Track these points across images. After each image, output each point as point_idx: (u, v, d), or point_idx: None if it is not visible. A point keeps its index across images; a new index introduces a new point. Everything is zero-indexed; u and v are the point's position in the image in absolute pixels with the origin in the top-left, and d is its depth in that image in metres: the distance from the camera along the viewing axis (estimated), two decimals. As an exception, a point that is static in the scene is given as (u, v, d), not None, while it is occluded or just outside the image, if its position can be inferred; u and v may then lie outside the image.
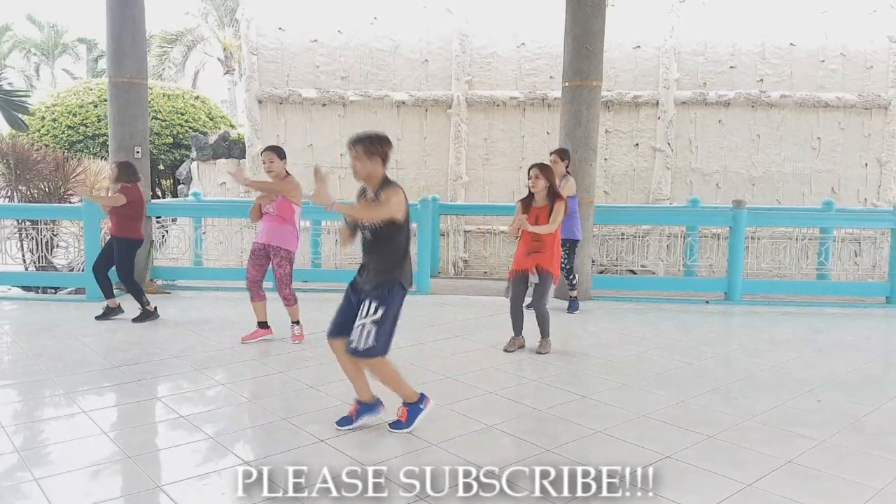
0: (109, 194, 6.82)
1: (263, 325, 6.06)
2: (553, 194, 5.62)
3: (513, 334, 5.86)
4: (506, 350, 5.77)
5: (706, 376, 5.21)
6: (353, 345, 3.77)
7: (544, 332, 5.82)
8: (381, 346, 3.78)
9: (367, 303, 3.78)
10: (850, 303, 8.30)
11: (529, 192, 5.71)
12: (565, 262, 7.35)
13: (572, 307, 7.47)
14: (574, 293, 7.49)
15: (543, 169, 5.66)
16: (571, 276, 7.41)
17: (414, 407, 3.98)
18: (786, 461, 3.60)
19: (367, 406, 4.03)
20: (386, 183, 3.81)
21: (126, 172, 6.76)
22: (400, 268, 3.83)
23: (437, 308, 7.76)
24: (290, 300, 6.00)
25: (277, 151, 5.87)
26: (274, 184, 5.84)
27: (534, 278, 5.67)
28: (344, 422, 4.01)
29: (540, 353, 5.71)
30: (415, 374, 5.06)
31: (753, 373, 5.31)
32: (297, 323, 6.06)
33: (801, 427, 4.10)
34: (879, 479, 3.43)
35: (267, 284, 6.10)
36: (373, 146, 3.75)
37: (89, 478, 3.36)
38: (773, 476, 3.42)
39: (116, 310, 6.89)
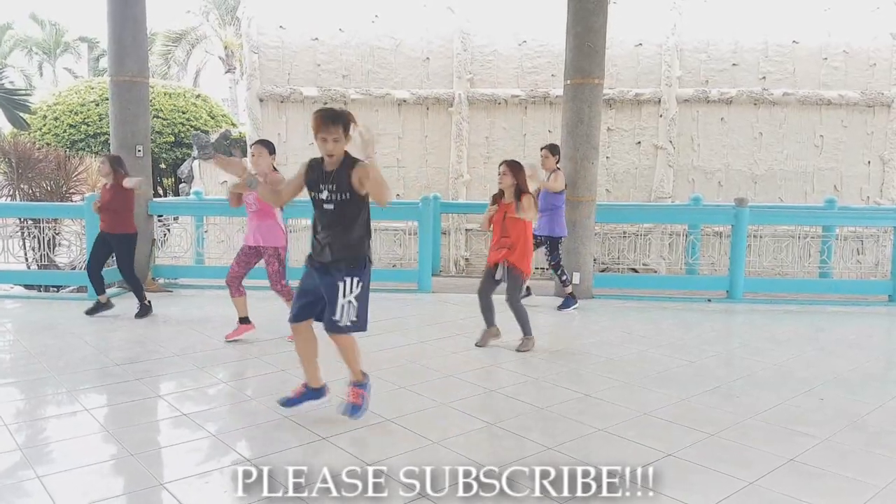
0: (105, 187, 6.78)
1: (245, 320, 6.05)
2: (519, 191, 5.62)
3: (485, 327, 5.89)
4: (477, 345, 5.82)
5: (708, 375, 5.21)
6: (341, 322, 3.82)
7: (523, 329, 5.81)
8: (362, 321, 3.90)
9: (347, 281, 3.80)
10: (853, 301, 8.29)
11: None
12: (549, 259, 7.37)
13: (564, 304, 7.45)
14: (568, 289, 7.48)
15: (512, 166, 5.68)
16: (559, 273, 7.41)
17: (363, 385, 4.06)
18: (788, 459, 3.59)
19: (315, 392, 4.15)
20: (353, 158, 3.78)
21: (119, 164, 6.82)
22: (368, 242, 3.91)
23: (438, 306, 7.76)
24: (285, 295, 5.98)
25: (268, 146, 5.82)
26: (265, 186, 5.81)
27: (498, 273, 5.70)
28: (289, 403, 4.12)
29: (520, 350, 5.69)
30: (416, 372, 5.07)
31: (755, 371, 5.30)
32: None
33: (802, 425, 4.10)
34: (881, 477, 3.42)
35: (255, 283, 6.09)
36: (349, 123, 3.73)
37: (91, 475, 3.36)
38: (774, 474, 3.42)
39: (107, 305, 6.90)
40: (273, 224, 5.88)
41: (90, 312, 6.83)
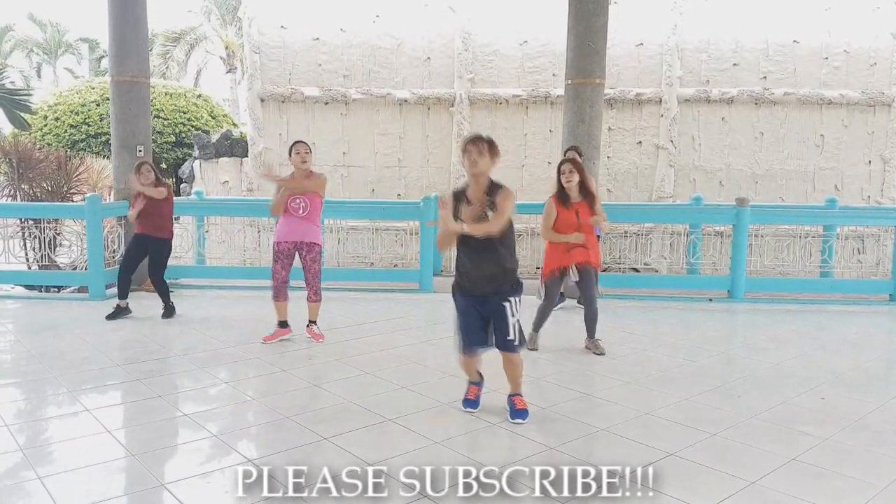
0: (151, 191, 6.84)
1: (284, 324, 6.04)
2: (587, 190, 5.61)
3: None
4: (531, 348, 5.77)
5: (709, 374, 5.20)
6: (515, 341, 4.00)
7: (594, 330, 5.85)
8: (524, 336, 4.17)
9: (511, 301, 3.96)
10: (854, 300, 8.28)
11: (562, 188, 5.60)
12: None
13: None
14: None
15: (577, 164, 5.65)
16: None
17: (520, 398, 4.20)
18: (789, 459, 3.59)
19: (480, 382, 4.38)
20: (497, 185, 3.92)
21: (160, 172, 6.98)
22: (516, 261, 4.04)
23: (439, 306, 7.75)
24: (320, 296, 6.03)
25: (308, 146, 5.86)
26: (311, 182, 5.82)
27: (574, 276, 5.71)
28: (472, 404, 4.28)
29: (598, 353, 5.71)
30: (418, 372, 5.07)
31: (756, 371, 5.30)
32: (316, 322, 6.08)
33: (804, 425, 4.10)
34: (883, 476, 3.42)
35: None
36: (495, 148, 3.89)
37: (93, 476, 3.36)
38: (776, 474, 3.41)
39: (126, 310, 6.92)
40: (318, 227, 5.97)
41: (112, 317, 6.81)
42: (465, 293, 4.02)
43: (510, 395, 4.21)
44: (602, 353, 5.66)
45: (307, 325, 6.07)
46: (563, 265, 5.65)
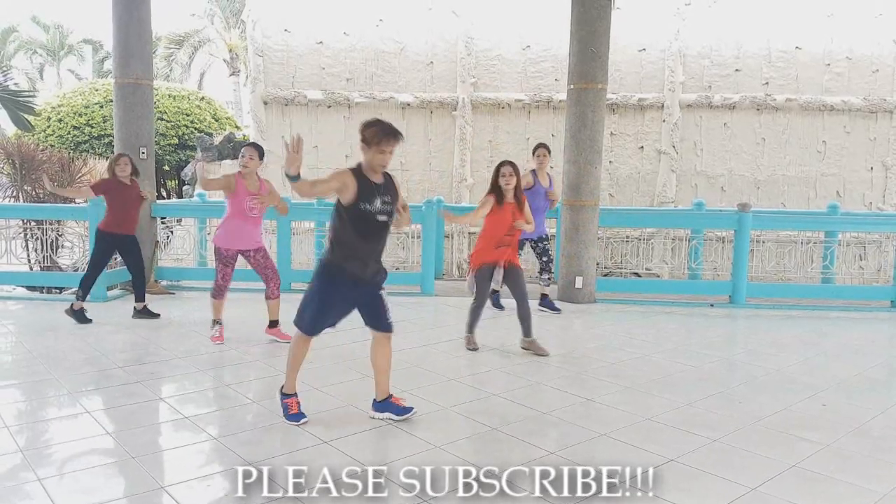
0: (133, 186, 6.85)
1: (219, 321, 6.07)
2: (519, 196, 5.77)
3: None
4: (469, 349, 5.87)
5: (710, 379, 5.20)
6: (391, 319, 4.10)
7: (530, 330, 5.83)
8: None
9: (384, 290, 4.08)
10: (855, 306, 8.27)
11: (497, 187, 5.68)
12: (545, 259, 7.36)
13: (548, 304, 7.50)
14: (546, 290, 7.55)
15: (517, 169, 5.75)
16: (551, 271, 7.46)
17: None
18: (790, 465, 3.58)
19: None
20: (389, 173, 4.01)
21: (136, 167, 6.90)
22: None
23: (440, 309, 7.76)
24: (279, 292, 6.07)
25: (259, 150, 5.87)
26: (276, 196, 5.87)
27: (498, 275, 5.71)
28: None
29: (534, 351, 5.73)
30: (418, 376, 5.06)
31: (757, 376, 5.29)
32: (278, 321, 6.06)
33: (805, 431, 4.09)
34: (884, 483, 3.41)
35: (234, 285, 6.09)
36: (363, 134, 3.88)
37: (92, 478, 3.36)
38: (777, 480, 3.41)
39: (145, 310, 6.94)
40: (260, 228, 6.09)
41: (140, 316, 6.87)
42: (344, 278, 3.91)
43: (387, 399, 4.16)
44: (545, 354, 5.66)
45: (270, 327, 6.06)
46: (490, 261, 5.70)
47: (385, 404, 4.15)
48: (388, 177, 3.95)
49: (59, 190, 7.27)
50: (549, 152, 7.51)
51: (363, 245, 3.88)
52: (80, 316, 6.62)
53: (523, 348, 5.80)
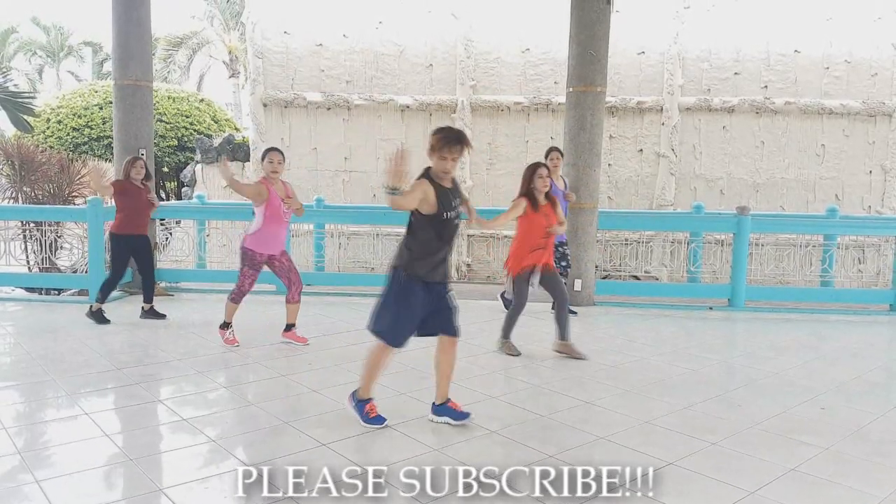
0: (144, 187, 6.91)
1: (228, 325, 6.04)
2: (551, 198, 5.74)
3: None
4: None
5: (709, 383, 5.20)
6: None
7: (567, 332, 5.81)
8: None
9: (451, 291, 4.13)
10: (854, 310, 8.28)
11: (530, 191, 5.61)
12: (565, 264, 7.36)
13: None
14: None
15: (551, 169, 5.79)
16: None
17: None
18: (789, 469, 3.58)
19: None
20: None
21: (150, 171, 7.02)
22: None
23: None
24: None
25: (282, 155, 5.89)
26: (297, 199, 5.94)
27: (536, 279, 5.70)
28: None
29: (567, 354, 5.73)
30: (417, 379, 5.06)
31: (756, 379, 5.29)
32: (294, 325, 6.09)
33: (804, 434, 4.09)
34: (883, 487, 3.41)
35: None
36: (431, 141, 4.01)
37: (90, 480, 3.36)
38: (775, 484, 3.41)
39: (152, 310, 6.98)
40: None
41: (148, 316, 6.90)
42: (422, 283, 3.96)
43: (446, 402, 4.19)
44: (582, 358, 5.66)
45: (287, 330, 6.06)
46: (529, 265, 5.66)
47: (443, 408, 4.18)
48: (453, 179, 4.02)
49: (100, 188, 7.17)
50: (563, 155, 7.50)
51: (440, 248, 3.96)
52: (98, 317, 6.72)
53: (557, 351, 5.78)
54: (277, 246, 5.88)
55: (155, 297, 7.16)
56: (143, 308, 6.99)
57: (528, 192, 5.61)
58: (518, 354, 5.77)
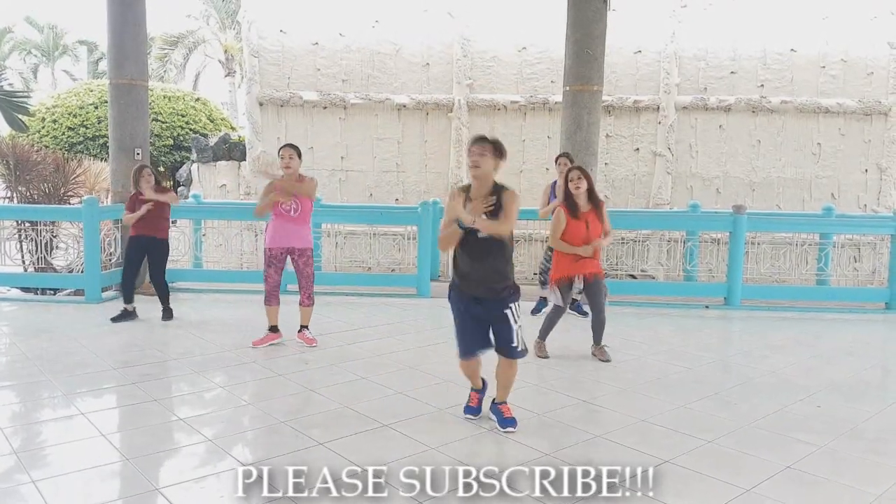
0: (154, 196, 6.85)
1: (275, 328, 6.03)
2: (594, 197, 5.64)
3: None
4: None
5: (706, 381, 5.21)
6: (519, 348, 3.97)
7: (601, 337, 5.79)
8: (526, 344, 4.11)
9: (512, 308, 3.93)
10: (850, 308, 8.29)
11: (570, 195, 5.56)
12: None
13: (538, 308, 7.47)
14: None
15: (584, 170, 5.64)
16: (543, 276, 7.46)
17: (507, 406, 4.20)
18: (785, 467, 3.59)
19: (483, 389, 4.36)
20: (502, 187, 3.93)
21: (159, 180, 7.00)
22: (513, 267, 4.02)
23: (437, 311, 7.74)
24: (313, 300, 6.06)
25: (297, 150, 5.86)
26: (303, 186, 5.83)
27: (577, 287, 5.74)
28: (473, 411, 4.28)
29: (603, 360, 5.68)
30: (415, 378, 5.06)
31: (753, 378, 5.30)
32: (308, 327, 6.07)
33: (800, 432, 4.10)
34: (878, 484, 3.42)
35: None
36: (500, 150, 3.92)
37: (87, 480, 3.35)
38: (771, 481, 3.41)
39: (133, 314, 6.93)
40: (310, 230, 6.00)
41: (118, 319, 6.82)
42: (461, 295, 3.98)
43: (497, 404, 4.18)
44: (608, 360, 5.65)
45: (299, 331, 6.06)
46: (572, 274, 5.62)
47: (495, 408, 4.19)
48: (497, 189, 3.89)
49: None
50: (572, 161, 7.32)
51: (465, 262, 3.91)
52: (127, 315, 6.88)
53: (593, 354, 5.77)
54: (290, 239, 5.84)
55: (150, 297, 7.14)
56: (162, 311, 7.00)
57: (567, 198, 5.59)
58: (547, 357, 5.74)
